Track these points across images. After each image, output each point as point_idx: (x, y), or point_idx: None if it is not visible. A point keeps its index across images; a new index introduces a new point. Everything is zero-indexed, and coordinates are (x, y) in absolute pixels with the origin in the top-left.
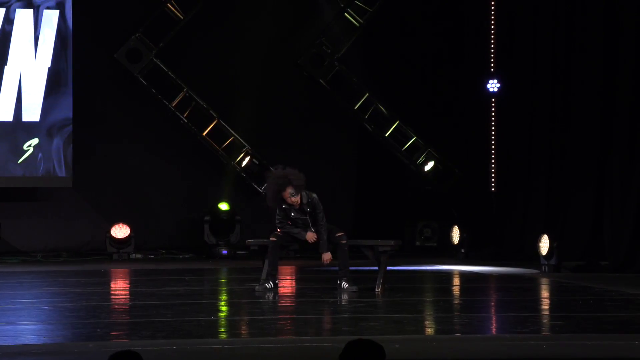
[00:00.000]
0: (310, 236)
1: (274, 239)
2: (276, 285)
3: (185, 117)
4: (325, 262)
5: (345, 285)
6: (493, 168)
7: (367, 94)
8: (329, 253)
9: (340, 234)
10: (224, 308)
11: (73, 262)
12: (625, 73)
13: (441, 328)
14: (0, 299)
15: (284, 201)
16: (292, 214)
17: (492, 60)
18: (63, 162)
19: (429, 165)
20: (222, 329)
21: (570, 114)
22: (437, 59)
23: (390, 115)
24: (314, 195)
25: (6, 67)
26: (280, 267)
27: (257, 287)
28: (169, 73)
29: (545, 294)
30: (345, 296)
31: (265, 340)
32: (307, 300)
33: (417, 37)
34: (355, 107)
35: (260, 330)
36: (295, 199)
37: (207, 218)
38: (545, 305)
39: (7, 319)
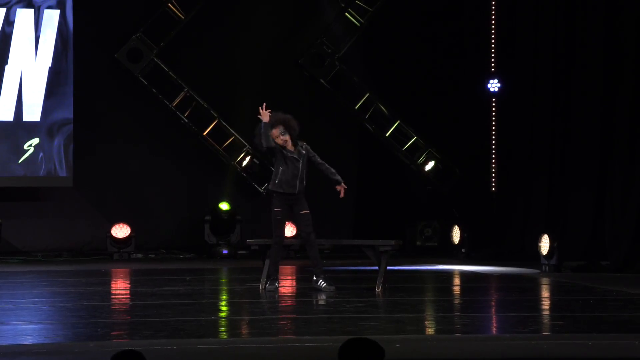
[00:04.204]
0: (265, 115)
1: (279, 237)
2: (277, 286)
3: (186, 117)
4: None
5: (322, 284)
6: (494, 168)
7: (368, 94)
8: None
9: (305, 211)
10: (224, 308)
11: (74, 262)
12: (627, 72)
13: (442, 328)
14: (0, 299)
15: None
16: (288, 153)
17: (492, 60)
18: (64, 161)
19: (430, 165)
20: (223, 329)
21: (571, 113)
22: (437, 58)
23: (390, 115)
24: (305, 143)
25: (7, 67)
26: (280, 267)
27: (263, 287)
28: (170, 73)
29: (545, 293)
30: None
31: (266, 340)
32: (308, 300)
33: (417, 37)
34: (356, 107)
35: (260, 330)
36: (284, 138)
37: (207, 218)
38: (546, 305)
39: (7, 318)
